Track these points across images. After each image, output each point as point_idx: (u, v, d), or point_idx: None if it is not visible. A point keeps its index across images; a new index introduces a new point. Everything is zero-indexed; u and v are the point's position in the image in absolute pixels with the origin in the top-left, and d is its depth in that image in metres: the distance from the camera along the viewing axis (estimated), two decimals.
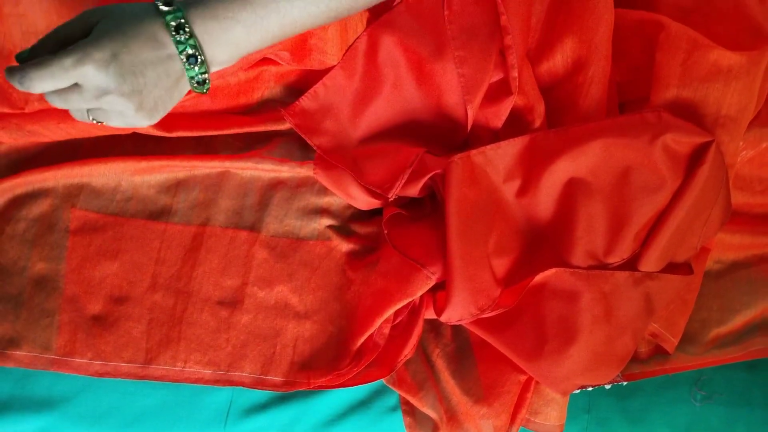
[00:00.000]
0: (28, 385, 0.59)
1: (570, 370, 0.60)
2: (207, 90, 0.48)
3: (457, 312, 0.60)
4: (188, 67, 0.45)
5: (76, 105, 0.44)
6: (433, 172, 0.59)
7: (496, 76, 0.61)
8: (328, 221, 0.64)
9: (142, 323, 0.60)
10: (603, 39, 0.60)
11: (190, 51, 0.45)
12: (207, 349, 0.60)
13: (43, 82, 0.42)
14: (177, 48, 0.44)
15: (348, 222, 0.65)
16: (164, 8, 0.44)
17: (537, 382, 0.64)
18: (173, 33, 0.44)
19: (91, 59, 0.42)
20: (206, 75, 0.47)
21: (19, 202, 0.59)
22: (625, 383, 0.68)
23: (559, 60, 0.62)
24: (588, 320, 0.58)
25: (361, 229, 0.65)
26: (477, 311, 0.60)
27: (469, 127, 0.62)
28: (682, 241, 0.61)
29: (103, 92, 0.43)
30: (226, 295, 0.61)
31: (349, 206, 0.65)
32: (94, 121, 0.46)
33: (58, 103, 0.45)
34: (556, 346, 0.59)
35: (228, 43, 0.46)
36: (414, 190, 0.61)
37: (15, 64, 0.44)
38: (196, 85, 0.47)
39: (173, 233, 0.61)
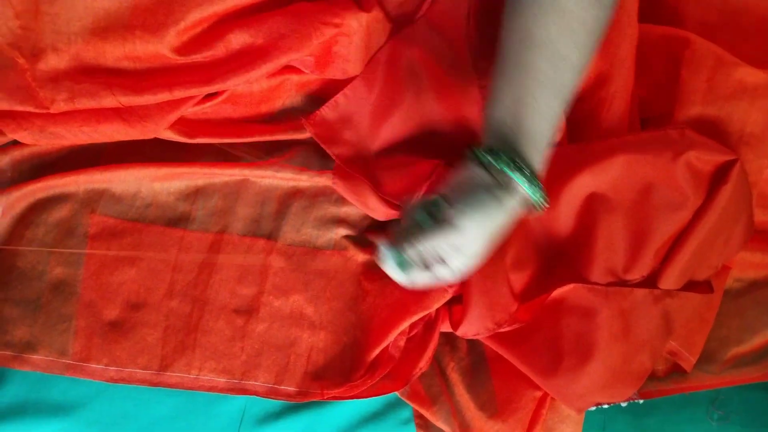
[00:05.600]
0: (44, 389, 0.59)
1: (586, 387, 0.59)
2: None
3: (473, 326, 0.59)
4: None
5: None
6: None
7: None
8: (345, 231, 0.64)
9: (158, 330, 0.60)
10: (626, 54, 0.60)
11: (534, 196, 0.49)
12: (221, 358, 0.60)
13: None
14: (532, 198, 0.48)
15: (365, 232, 0.65)
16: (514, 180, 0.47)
17: (552, 399, 0.64)
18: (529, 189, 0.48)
19: (460, 273, 0.50)
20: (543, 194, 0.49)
21: (40, 206, 0.59)
22: (641, 401, 0.68)
23: None
24: (605, 337, 0.58)
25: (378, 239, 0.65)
26: (494, 326, 0.59)
27: None
28: (702, 259, 0.60)
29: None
30: (242, 303, 0.61)
31: (367, 216, 0.65)
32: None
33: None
34: (572, 362, 0.58)
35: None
36: None
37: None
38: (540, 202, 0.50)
39: (191, 240, 0.61)
